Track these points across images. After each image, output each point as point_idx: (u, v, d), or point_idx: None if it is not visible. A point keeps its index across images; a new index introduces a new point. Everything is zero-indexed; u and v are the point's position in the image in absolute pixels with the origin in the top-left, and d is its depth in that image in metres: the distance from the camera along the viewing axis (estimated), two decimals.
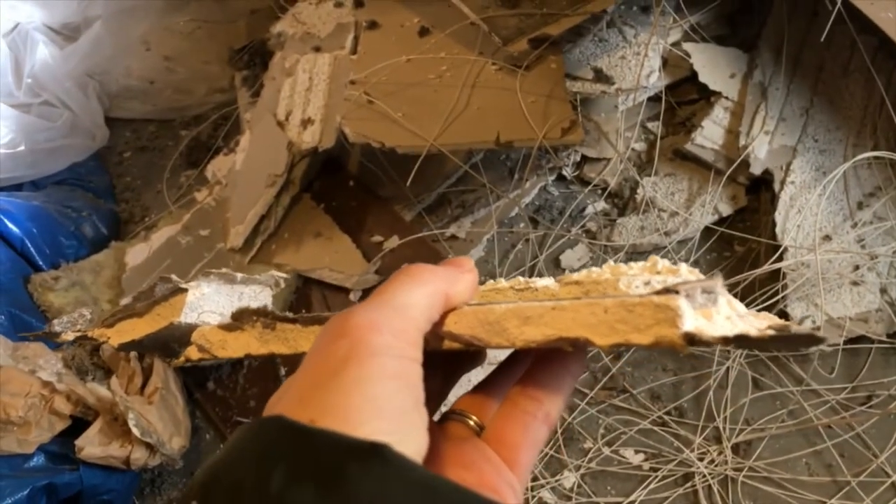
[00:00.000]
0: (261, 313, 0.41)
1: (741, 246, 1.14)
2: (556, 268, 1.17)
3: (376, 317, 0.31)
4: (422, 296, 0.33)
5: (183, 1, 1.54)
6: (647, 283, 0.33)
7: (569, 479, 0.98)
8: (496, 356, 0.41)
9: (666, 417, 1.01)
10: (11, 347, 0.98)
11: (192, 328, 0.45)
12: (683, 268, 0.34)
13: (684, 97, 1.25)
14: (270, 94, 1.25)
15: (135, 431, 0.92)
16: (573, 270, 0.41)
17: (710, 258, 1.15)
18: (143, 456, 0.94)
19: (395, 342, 0.30)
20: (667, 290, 0.30)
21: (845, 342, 1.00)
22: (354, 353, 0.29)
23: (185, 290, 0.46)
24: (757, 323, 0.32)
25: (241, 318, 0.42)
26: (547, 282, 0.41)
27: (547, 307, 0.33)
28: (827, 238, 1.05)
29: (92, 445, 0.93)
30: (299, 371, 0.30)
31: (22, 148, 1.28)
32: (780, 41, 1.19)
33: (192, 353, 0.45)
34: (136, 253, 1.18)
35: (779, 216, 1.06)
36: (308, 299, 1.15)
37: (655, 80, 1.18)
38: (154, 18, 1.51)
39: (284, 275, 0.48)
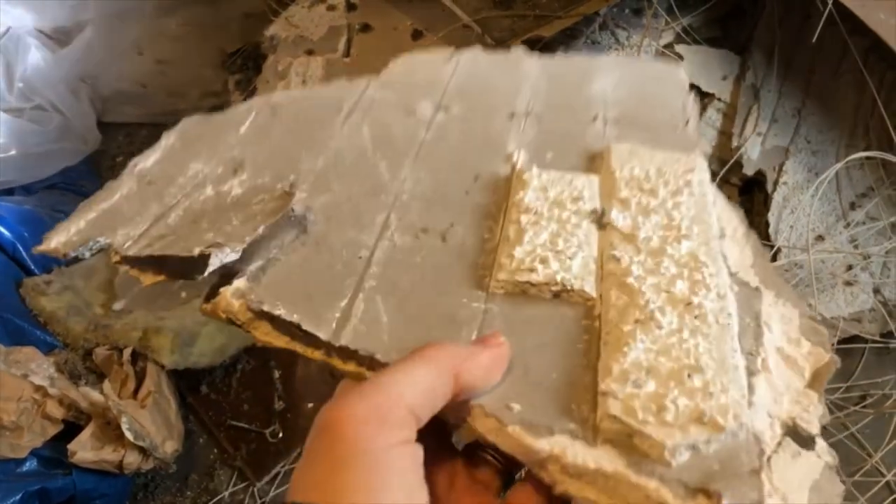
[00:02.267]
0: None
1: None
2: None
3: (360, 407, 0.32)
4: (421, 374, 0.34)
5: (175, 4, 1.54)
6: (692, 448, 0.34)
7: None
8: None
9: None
10: (3, 352, 0.97)
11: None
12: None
13: None
14: None
15: (128, 435, 0.91)
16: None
17: None
18: (136, 460, 0.94)
19: (382, 431, 0.32)
20: (708, 494, 0.32)
21: (839, 342, 1.00)
22: (344, 451, 0.31)
23: None
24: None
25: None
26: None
27: (591, 468, 0.34)
28: (820, 238, 1.05)
29: (84, 450, 0.92)
30: (302, 464, 0.32)
31: (13, 152, 1.28)
32: (771, 43, 1.19)
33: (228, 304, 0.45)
34: None
35: (772, 217, 1.06)
36: None
37: None
38: (146, 22, 1.50)
39: None
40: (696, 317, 0.40)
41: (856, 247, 1.04)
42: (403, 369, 0.34)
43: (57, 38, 1.47)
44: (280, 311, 0.43)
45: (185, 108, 1.50)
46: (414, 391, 0.34)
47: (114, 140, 1.50)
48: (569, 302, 0.43)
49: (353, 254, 0.48)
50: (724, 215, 0.50)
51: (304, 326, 0.43)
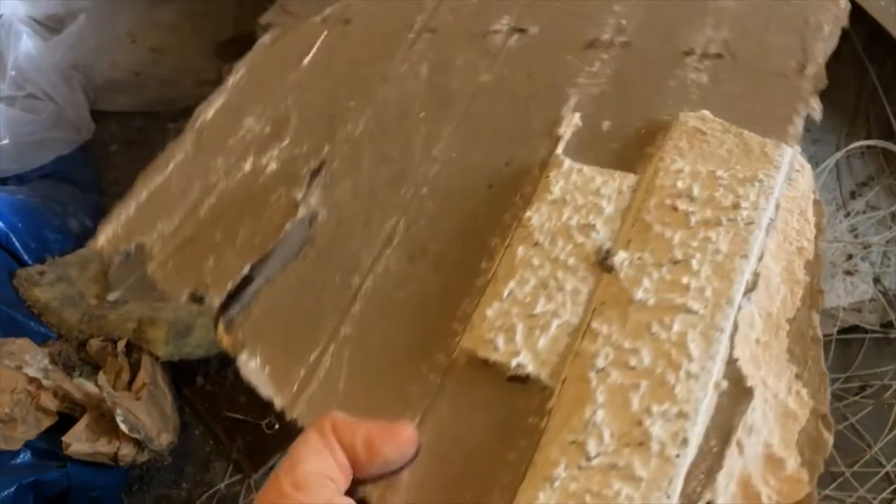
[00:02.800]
0: None
1: None
2: None
3: (284, 486, 0.36)
4: (315, 441, 0.38)
5: None
6: None
7: None
8: None
9: None
10: None
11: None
12: None
13: None
14: None
15: (122, 427, 0.91)
16: None
17: None
18: (131, 452, 0.93)
19: (305, 497, 0.35)
20: None
21: (838, 332, 1.00)
22: None
23: None
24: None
25: None
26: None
27: None
28: None
29: (79, 442, 0.92)
30: None
31: (6, 141, 1.26)
32: None
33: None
34: None
35: None
36: None
37: None
38: (140, 10, 1.49)
39: None
40: (640, 444, 0.34)
41: (856, 236, 1.04)
42: (303, 439, 0.38)
43: (49, 25, 1.46)
44: (254, 363, 0.46)
45: (178, 96, 1.49)
46: (317, 458, 0.37)
47: (107, 129, 1.49)
48: (522, 389, 0.39)
49: (345, 281, 0.47)
50: (795, 230, 0.43)
51: (262, 391, 0.45)
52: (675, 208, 0.42)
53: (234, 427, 1.05)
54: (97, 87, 1.48)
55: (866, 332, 1.00)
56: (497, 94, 0.54)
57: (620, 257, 0.41)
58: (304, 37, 0.67)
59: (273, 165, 0.56)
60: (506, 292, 0.41)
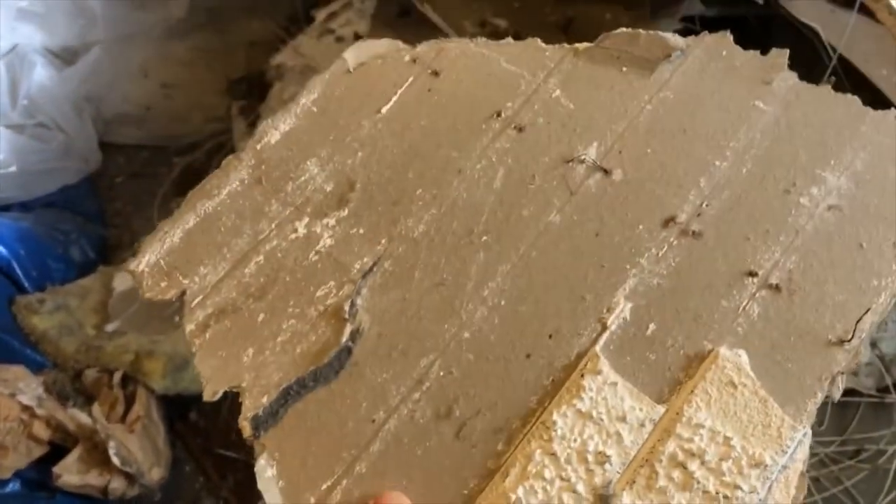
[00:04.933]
0: None
1: None
2: None
3: None
4: None
5: (183, 29, 1.54)
6: None
7: None
8: None
9: None
10: None
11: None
12: None
13: None
14: None
15: (114, 460, 0.90)
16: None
17: None
18: (121, 486, 0.92)
19: None
20: None
21: None
22: None
23: None
24: None
25: None
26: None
27: None
28: None
29: (70, 473, 0.91)
30: None
31: (14, 168, 1.27)
32: None
33: None
34: (124, 278, 1.16)
35: None
36: None
37: None
38: (154, 46, 1.51)
39: None
40: None
41: None
42: None
43: (63, 57, 1.47)
44: (270, 473, 0.48)
45: (187, 131, 1.50)
46: None
47: (113, 160, 1.50)
48: None
49: (370, 412, 0.48)
50: (775, 502, 0.45)
51: None
52: (684, 467, 0.45)
53: (225, 464, 1.04)
54: (107, 119, 1.49)
55: (862, 395, 1.00)
56: (561, 245, 0.53)
57: (624, 501, 0.44)
58: (389, 75, 0.63)
59: (328, 240, 0.55)
60: (513, 498, 0.44)
